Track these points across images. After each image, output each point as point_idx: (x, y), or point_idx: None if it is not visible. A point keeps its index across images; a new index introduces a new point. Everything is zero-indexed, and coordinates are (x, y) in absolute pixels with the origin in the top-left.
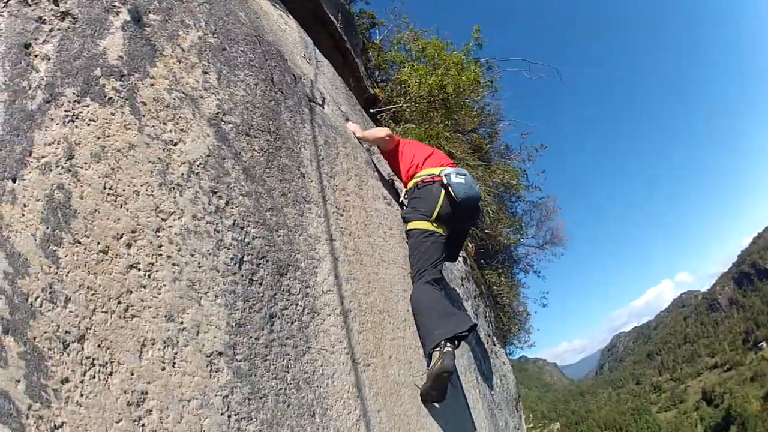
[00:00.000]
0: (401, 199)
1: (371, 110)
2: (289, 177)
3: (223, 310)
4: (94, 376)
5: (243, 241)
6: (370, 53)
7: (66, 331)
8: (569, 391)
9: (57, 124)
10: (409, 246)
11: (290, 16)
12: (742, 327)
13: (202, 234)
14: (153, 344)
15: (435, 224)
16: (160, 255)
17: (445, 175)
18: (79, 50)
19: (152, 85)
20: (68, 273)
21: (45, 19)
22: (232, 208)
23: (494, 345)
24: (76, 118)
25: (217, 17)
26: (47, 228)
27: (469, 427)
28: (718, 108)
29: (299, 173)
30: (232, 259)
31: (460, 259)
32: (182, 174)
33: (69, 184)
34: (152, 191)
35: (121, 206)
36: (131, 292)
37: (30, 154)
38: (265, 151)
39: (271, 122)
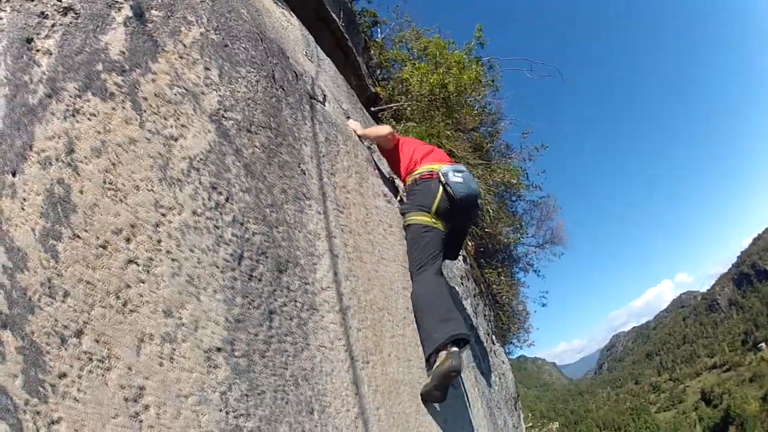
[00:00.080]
0: (400, 195)
1: (372, 108)
2: (289, 174)
3: (222, 306)
4: (92, 372)
5: (243, 237)
6: (372, 52)
7: (64, 326)
8: (568, 391)
9: (58, 118)
10: (408, 240)
11: (292, 14)
12: (741, 328)
13: (202, 230)
14: (151, 340)
15: (434, 219)
16: (160, 250)
17: (442, 174)
18: (81, 45)
19: (154, 80)
20: (67, 268)
21: (47, 14)
22: (232, 204)
23: (493, 344)
24: (77, 112)
25: (220, 14)
26: (47, 222)
27: (468, 425)
28: (718, 108)
29: (300, 170)
30: (231, 255)
31: (460, 257)
32: (182, 169)
33: (69, 179)
34: (152, 186)
35: (121, 201)
36: (130, 287)
37: (30, 149)
38: (266, 148)
39: (272, 119)
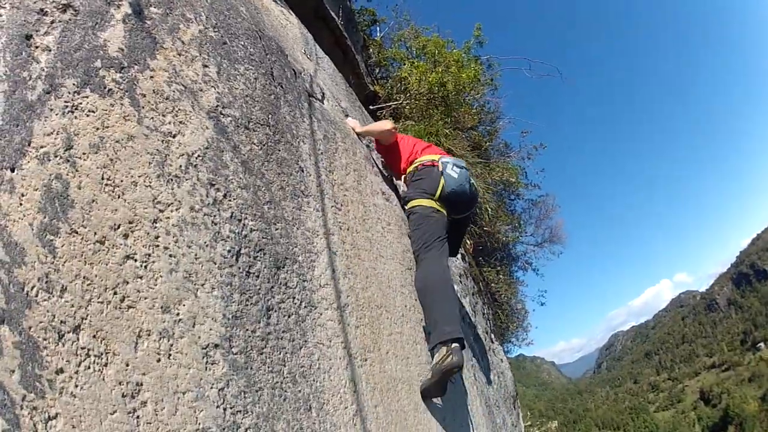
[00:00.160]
0: (401, 183)
1: (371, 107)
2: (287, 171)
3: (220, 302)
4: (89, 367)
5: (240, 234)
6: (371, 50)
7: (61, 321)
8: (567, 390)
9: (56, 114)
10: (412, 222)
11: (291, 12)
12: (740, 327)
13: (200, 226)
14: (148, 335)
15: (438, 204)
16: (157, 246)
17: (442, 163)
18: (80, 42)
19: (152, 77)
20: (65, 263)
21: (46, 11)
22: (229, 200)
23: (492, 342)
24: (76, 108)
25: (218, 11)
26: (45, 217)
27: (467, 423)
28: (718, 108)
29: (298, 167)
30: (229, 251)
31: (459, 255)
32: (180, 166)
33: (67, 174)
34: (150, 182)
35: (119, 197)
36: (127, 282)
37: (29, 144)
38: (264, 145)
39: (270, 116)
